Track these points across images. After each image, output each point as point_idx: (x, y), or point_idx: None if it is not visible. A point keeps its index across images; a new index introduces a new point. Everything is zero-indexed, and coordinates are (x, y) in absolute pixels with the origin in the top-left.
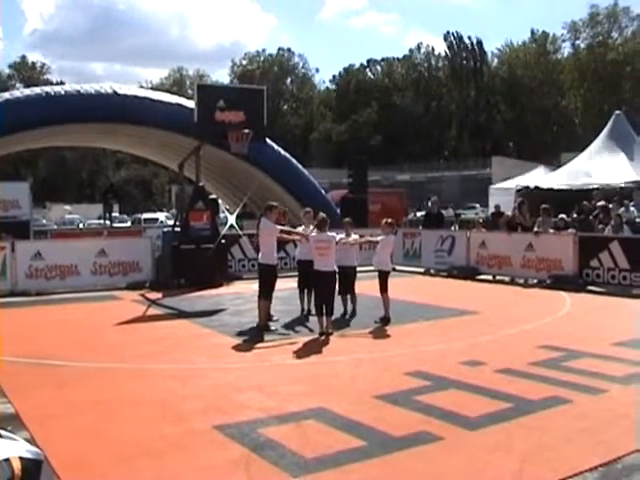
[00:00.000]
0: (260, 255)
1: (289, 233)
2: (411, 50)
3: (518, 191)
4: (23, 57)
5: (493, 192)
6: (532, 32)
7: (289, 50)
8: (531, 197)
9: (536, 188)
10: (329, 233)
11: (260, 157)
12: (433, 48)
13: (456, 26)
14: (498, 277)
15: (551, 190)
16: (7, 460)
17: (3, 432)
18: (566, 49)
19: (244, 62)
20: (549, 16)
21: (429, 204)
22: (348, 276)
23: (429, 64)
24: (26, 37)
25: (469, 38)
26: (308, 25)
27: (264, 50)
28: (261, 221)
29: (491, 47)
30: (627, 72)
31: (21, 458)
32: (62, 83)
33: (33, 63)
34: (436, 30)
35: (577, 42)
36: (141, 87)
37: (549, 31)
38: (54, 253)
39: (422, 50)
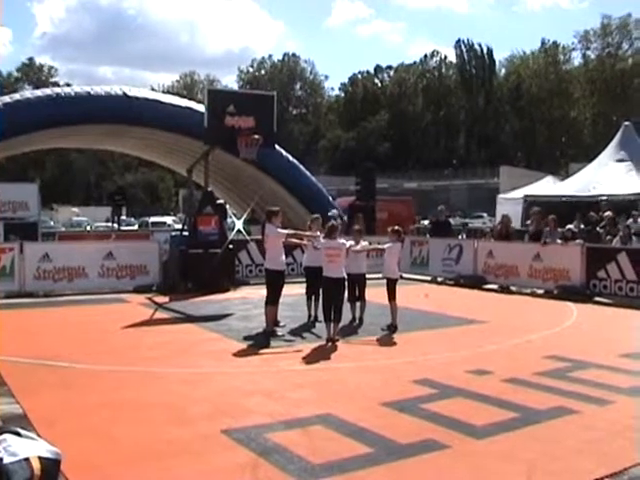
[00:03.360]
0: (266, 260)
1: (296, 236)
2: (426, 56)
3: (526, 201)
4: (30, 59)
5: (501, 202)
6: (542, 42)
7: (294, 55)
8: (539, 207)
9: (544, 198)
10: (339, 240)
11: (269, 163)
12: (446, 56)
13: (463, 36)
14: (505, 286)
15: (559, 200)
16: (27, 459)
17: (23, 431)
18: (576, 59)
19: (251, 69)
20: (555, 26)
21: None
22: (358, 283)
23: (440, 72)
24: (36, 40)
25: (483, 46)
26: (316, 32)
27: (270, 56)
28: (266, 227)
29: (498, 57)
30: (636, 83)
31: (40, 458)
32: (69, 85)
33: (41, 65)
34: (442, 39)
35: (587, 52)
36: (152, 90)
37: (557, 41)
38: (62, 255)
39: (434, 58)
